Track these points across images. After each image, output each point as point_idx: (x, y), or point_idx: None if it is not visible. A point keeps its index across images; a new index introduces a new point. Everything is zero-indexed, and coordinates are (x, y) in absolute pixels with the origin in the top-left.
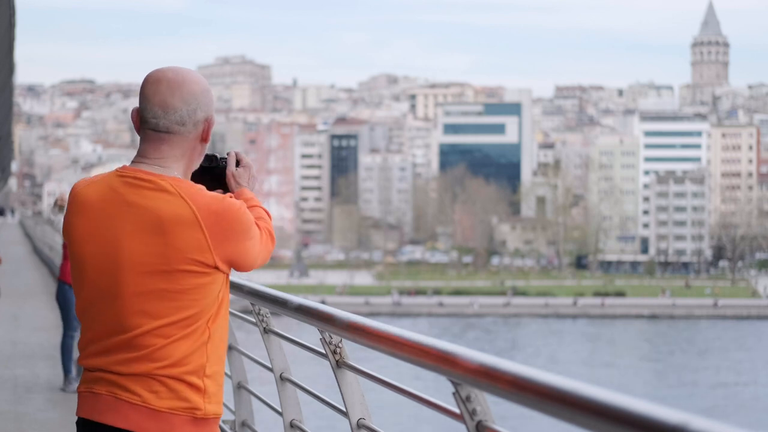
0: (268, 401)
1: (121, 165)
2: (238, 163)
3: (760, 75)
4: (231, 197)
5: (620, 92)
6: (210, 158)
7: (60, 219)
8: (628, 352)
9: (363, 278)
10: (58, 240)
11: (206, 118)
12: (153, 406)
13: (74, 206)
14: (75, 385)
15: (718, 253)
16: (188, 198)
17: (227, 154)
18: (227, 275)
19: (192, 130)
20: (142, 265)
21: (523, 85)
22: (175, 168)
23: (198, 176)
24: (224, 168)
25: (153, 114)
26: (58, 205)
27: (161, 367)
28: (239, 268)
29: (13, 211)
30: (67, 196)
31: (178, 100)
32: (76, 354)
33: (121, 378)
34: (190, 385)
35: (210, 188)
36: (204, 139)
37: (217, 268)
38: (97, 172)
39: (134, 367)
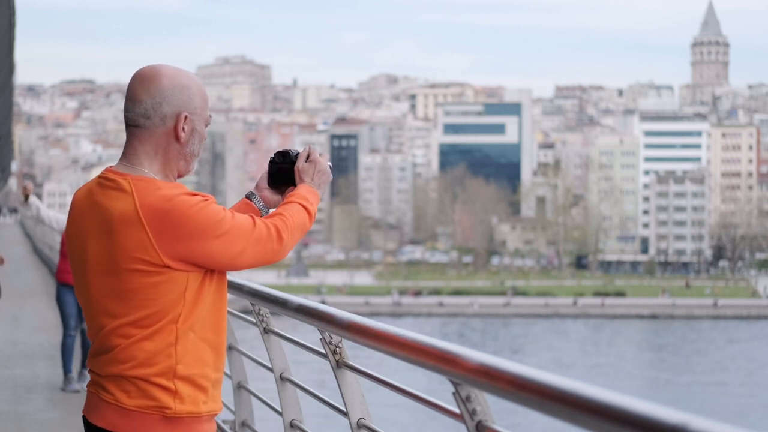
0: (268, 401)
1: None
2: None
3: (760, 75)
4: (186, 194)
5: (620, 92)
6: (283, 154)
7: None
8: (628, 352)
9: (363, 278)
10: (57, 240)
11: (176, 114)
12: (123, 404)
13: (69, 210)
14: (75, 384)
15: (718, 253)
16: (137, 196)
17: (303, 148)
18: (205, 274)
19: (159, 124)
20: (99, 265)
21: (523, 85)
22: (147, 166)
23: (271, 173)
24: (293, 164)
25: (125, 107)
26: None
27: (129, 368)
28: (216, 267)
29: (16, 210)
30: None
31: (143, 93)
32: (75, 353)
33: (101, 379)
34: (159, 386)
35: (282, 184)
36: (177, 137)
37: (168, 267)
38: (96, 172)
39: (108, 368)
